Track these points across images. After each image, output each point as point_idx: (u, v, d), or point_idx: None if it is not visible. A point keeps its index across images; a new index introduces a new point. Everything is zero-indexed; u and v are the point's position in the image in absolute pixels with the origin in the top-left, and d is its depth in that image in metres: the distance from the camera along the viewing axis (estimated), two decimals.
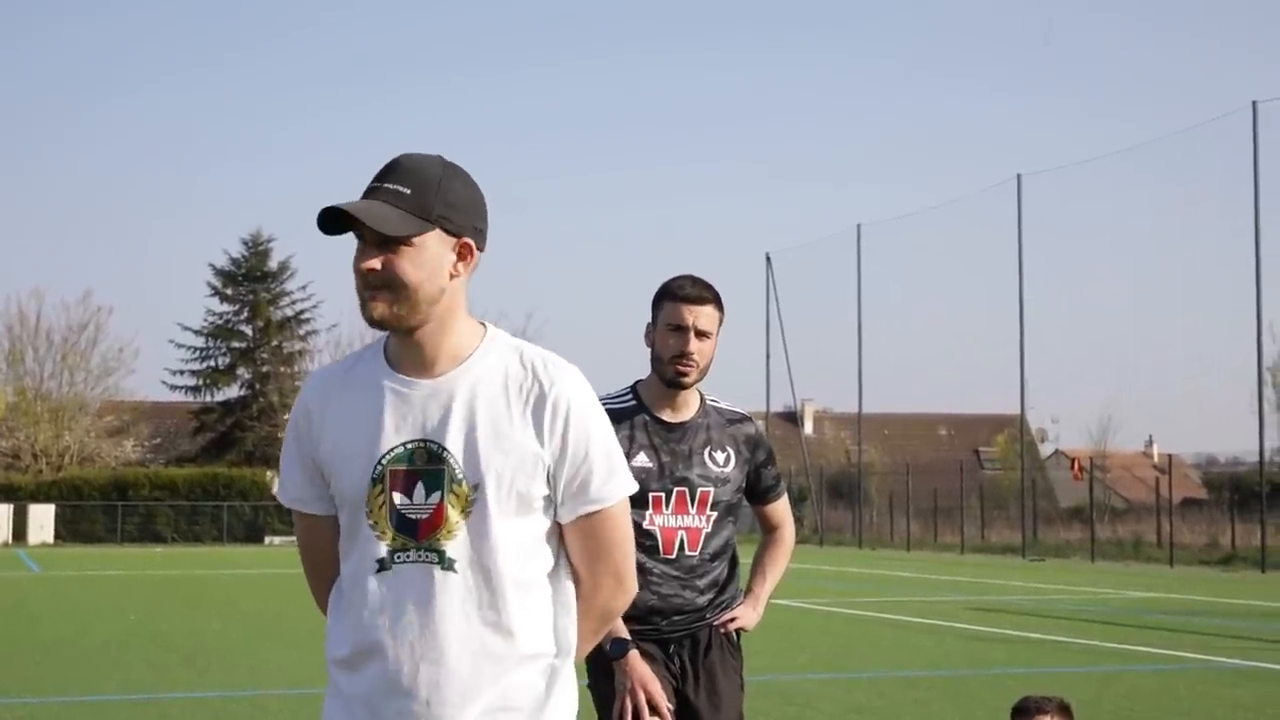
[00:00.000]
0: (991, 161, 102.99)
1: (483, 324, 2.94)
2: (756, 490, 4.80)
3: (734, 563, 4.74)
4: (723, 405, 4.76)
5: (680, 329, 4.51)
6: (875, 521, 56.23)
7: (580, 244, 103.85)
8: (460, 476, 2.77)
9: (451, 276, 2.83)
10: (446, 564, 2.76)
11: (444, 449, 2.78)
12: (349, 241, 2.99)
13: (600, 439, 2.90)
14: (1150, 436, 66.66)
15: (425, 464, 2.79)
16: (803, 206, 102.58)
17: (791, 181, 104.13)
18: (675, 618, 4.56)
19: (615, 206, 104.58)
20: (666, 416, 4.61)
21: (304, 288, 65.76)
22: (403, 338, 2.84)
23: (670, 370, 4.53)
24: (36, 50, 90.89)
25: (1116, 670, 13.56)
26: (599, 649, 4.45)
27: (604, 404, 4.56)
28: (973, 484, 54.67)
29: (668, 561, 4.54)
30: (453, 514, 2.77)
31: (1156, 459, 59.88)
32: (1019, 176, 46.29)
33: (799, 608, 20.21)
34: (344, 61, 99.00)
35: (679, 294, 4.54)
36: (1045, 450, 68.30)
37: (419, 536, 2.77)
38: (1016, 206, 46.21)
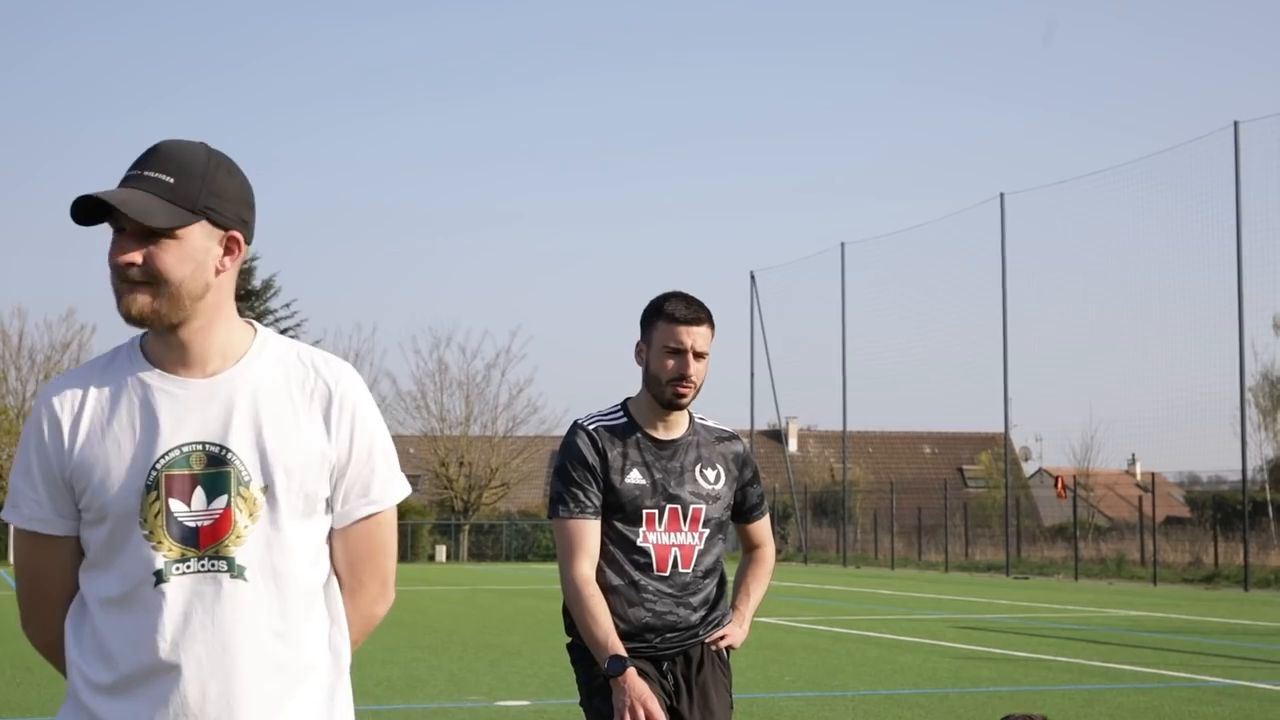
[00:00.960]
0: (975, 180, 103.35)
1: (249, 322, 2.81)
2: (742, 509, 4.82)
3: (723, 580, 4.76)
4: (711, 423, 4.77)
5: (678, 352, 4.52)
6: (859, 539, 56.29)
7: (563, 261, 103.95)
8: (247, 479, 2.62)
9: (217, 271, 2.67)
10: (236, 572, 2.60)
11: (228, 450, 2.63)
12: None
13: (382, 439, 2.80)
14: (1133, 455, 66.70)
15: (205, 468, 2.62)
16: (787, 225, 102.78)
17: (776, 199, 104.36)
18: (669, 635, 4.57)
19: (599, 224, 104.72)
20: (658, 434, 4.62)
21: (288, 306, 65.70)
22: (165, 336, 2.66)
23: (669, 392, 4.54)
24: (20, 68, 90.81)
25: (1101, 688, 13.57)
26: (591, 665, 4.46)
27: (597, 421, 4.60)
28: (956, 502, 54.78)
29: (661, 578, 4.55)
30: (240, 518, 2.61)
31: (1139, 477, 59.99)
32: (1002, 195, 46.52)
33: (783, 626, 20.19)
34: (330, 79, 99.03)
35: (675, 316, 4.54)
36: (1029, 469, 68.42)
37: (201, 545, 2.60)
38: (1000, 225, 46.44)
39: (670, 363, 4.52)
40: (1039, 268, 65.50)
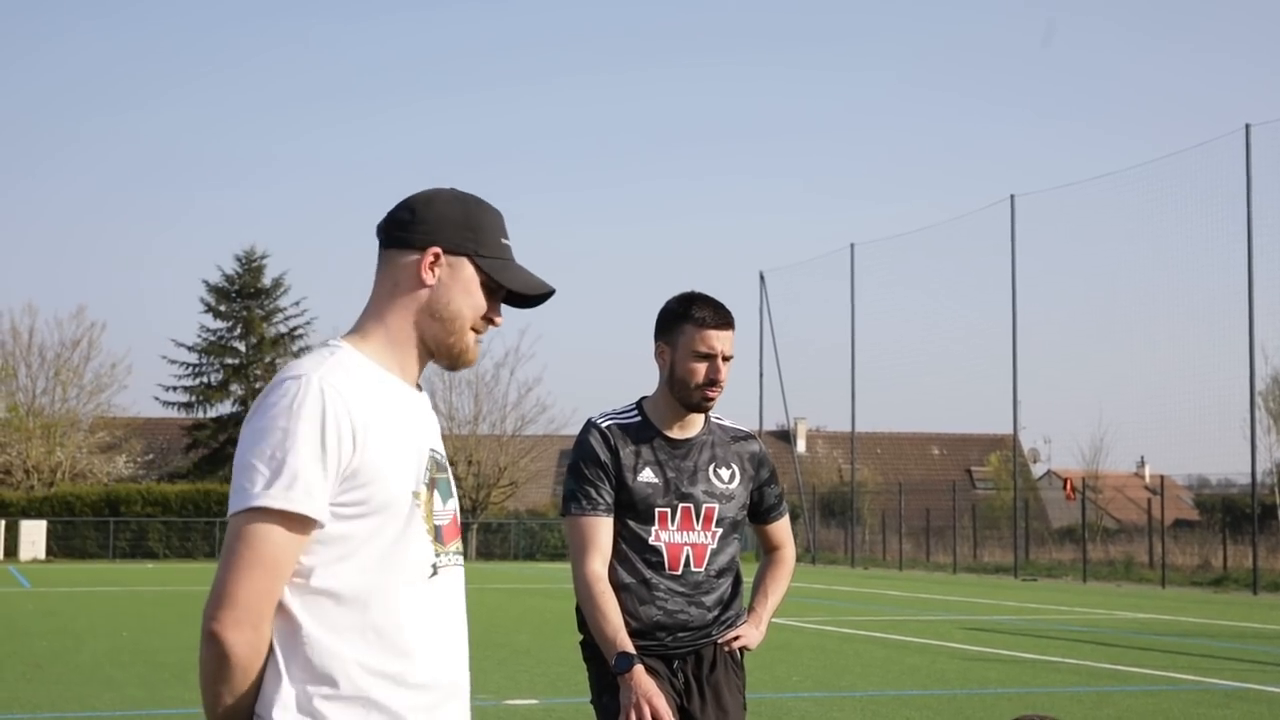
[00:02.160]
0: (986, 182, 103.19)
1: None
2: (759, 509, 4.82)
3: (738, 580, 4.75)
4: (726, 423, 4.78)
5: (709, 357, 4.53)
6: (868, 540, 56.25)
7: (572, 260, 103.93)
8: (453, 485, 2.93)
9: None
10: (462, 564, 2.91)
11: (445, 457, 2.89)
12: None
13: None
14: (1142, 458, 66.61)
15: (438, 472, 2.83)
16: (797, 225, 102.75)
17: (786, 200, 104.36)
18: (681, 634, 4.57)
19: (608, 223, 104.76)
20: (673, 434, 4.63)
21: (297, 304, 65.82)
22: (425, 359, 2.89)
23: (697, 396, 4.55)
24: (30, 66, 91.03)
25: (1109, 690, 13.57)
26: (602, 663, 4.47)
27: (611, 420, 4.61)
28: (965, 504, 54.73)
29: (674, 577, 4.56)
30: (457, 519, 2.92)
31: (1148, 480, 59.82)
32: (1012, 197, 46.46)
33: (791, 626, 20.20)
34: (337, 78, 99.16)
35: (706, 321, 4.54)
36: (1038, 470, 68.44)
37: (445, 540, 2.83)
38: (1010, 227, 46.38)
39: (701, 367, 4.52)
40: (1048, 270, 65.57)
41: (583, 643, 4.60)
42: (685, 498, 4.57)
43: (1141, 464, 65.42)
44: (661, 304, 4.64)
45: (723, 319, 4.55)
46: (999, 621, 23.60)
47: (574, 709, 11.24)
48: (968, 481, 70.57)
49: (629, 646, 4.37)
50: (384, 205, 2.97)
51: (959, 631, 20.96)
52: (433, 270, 2.82)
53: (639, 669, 4.34)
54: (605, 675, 4.48)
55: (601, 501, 4.51)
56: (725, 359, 4.55)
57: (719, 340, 4.53)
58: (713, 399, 4.57)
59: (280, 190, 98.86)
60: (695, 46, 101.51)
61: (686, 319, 4.55)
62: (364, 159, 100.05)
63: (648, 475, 4.55)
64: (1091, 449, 60.18)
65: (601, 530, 4.50)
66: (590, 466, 4.54)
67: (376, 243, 2.93)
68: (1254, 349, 37.88)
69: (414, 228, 2.85)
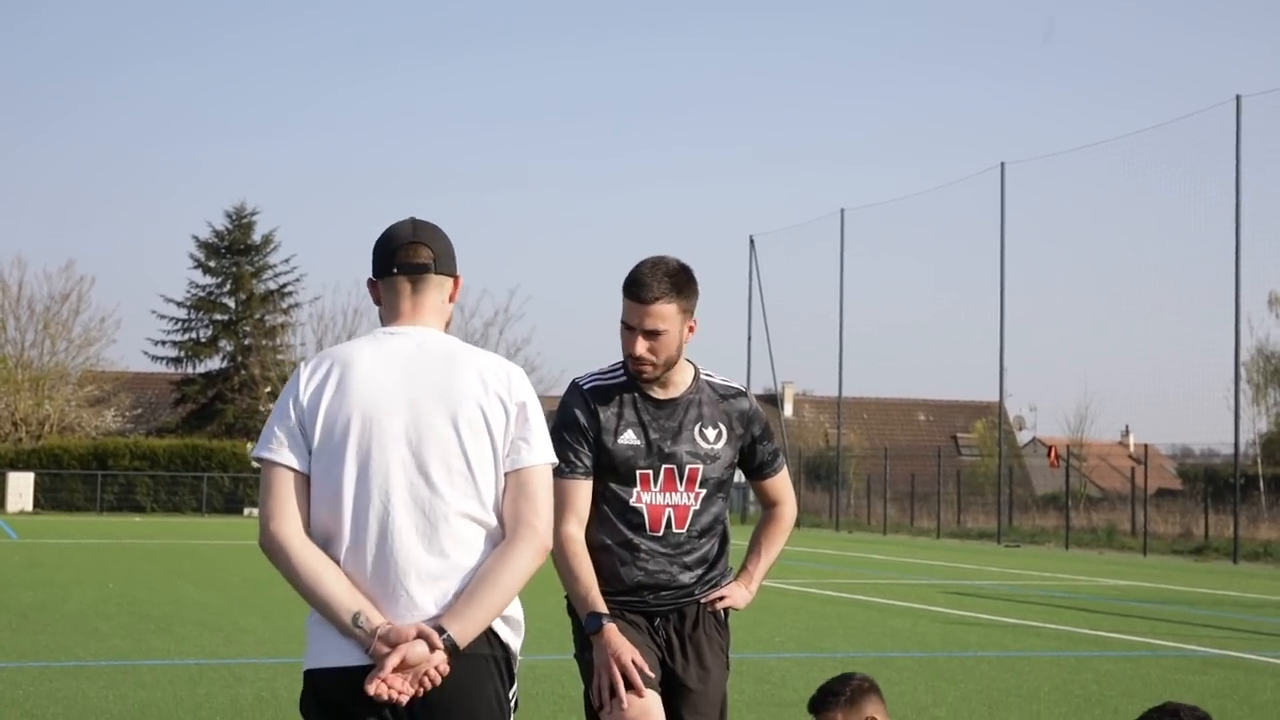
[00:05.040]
0: (976, 149, 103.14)
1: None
2: (752, 465, 4.77)
3: (724, 539, 4.72)
4: (717, 380, 4.70)
5: (630, 329, 4.45)
6: (853, 505, 56.38)
7: (563, 223, 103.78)
8: None
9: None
10: None
11: None
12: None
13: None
14: (1127, 426, 66.76)
15: None
16: (787, 190, 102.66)
17: (776, 165, 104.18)
18: (662, 593, 4.57)
19: (599, 186, 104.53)
20: (656, 393, 4.57)
21: (287, 261, 65.65)
22: None
23: (631, 367, 4.51)
24: (20, 21, 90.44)
25: (1088, 655, 13.63)
26: (579, 623, 4.49)
27: (594, 381, 4.59)
28: (950, 470, 54.88)
29: (655, 538, 4.54)
30: None
31: (1132, 449, 59.97)
32: (1002, 165, 46.40)
33: (775, 588, 20.26)
34: (330, 36, 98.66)
35: (630, 291, 4.45)
36: (1023, 438, 68.60)
37: None
38: (1000, 195, 46.33)
39: (624, 340, 4.48)
40: (1037, 238, 65.60)
41: (567, 598, 4.61)
42: (668, 458, 4.53)
43: (1126, 433, 65.58)
44: None
45: (648, 294, 4.41)
46: (981, 586, 23.69)
47: (556, 665, 11.26)
48: (953, 448, 70.74)
49: (600, 606, 4.38)
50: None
51: (941, 596, 21.03)
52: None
53: (610, 628, 4.34)
54: (581, 632, 4.50)
55: (580, 465, 4.49)
56: (648, 334, 4.42)
57: (638, 314, 4.42)
58: (643, 373, 4.48)
59: (272, 148, 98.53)
60: (687, 14, 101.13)
61: (625, 286, 4.49)
62: (357, 120, 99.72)
63: (629, 437, 4.51)
64: (1076, 417, 60.38)
65: (579, 493, 4.48)
66: (570, 430, 4.51)
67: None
68: (1240, 319, 37.94)
69: (453, 261, 3.81)
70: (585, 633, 4.42)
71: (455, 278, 3.77)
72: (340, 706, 3.43)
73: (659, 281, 4.43)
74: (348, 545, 3.49)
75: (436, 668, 3.36)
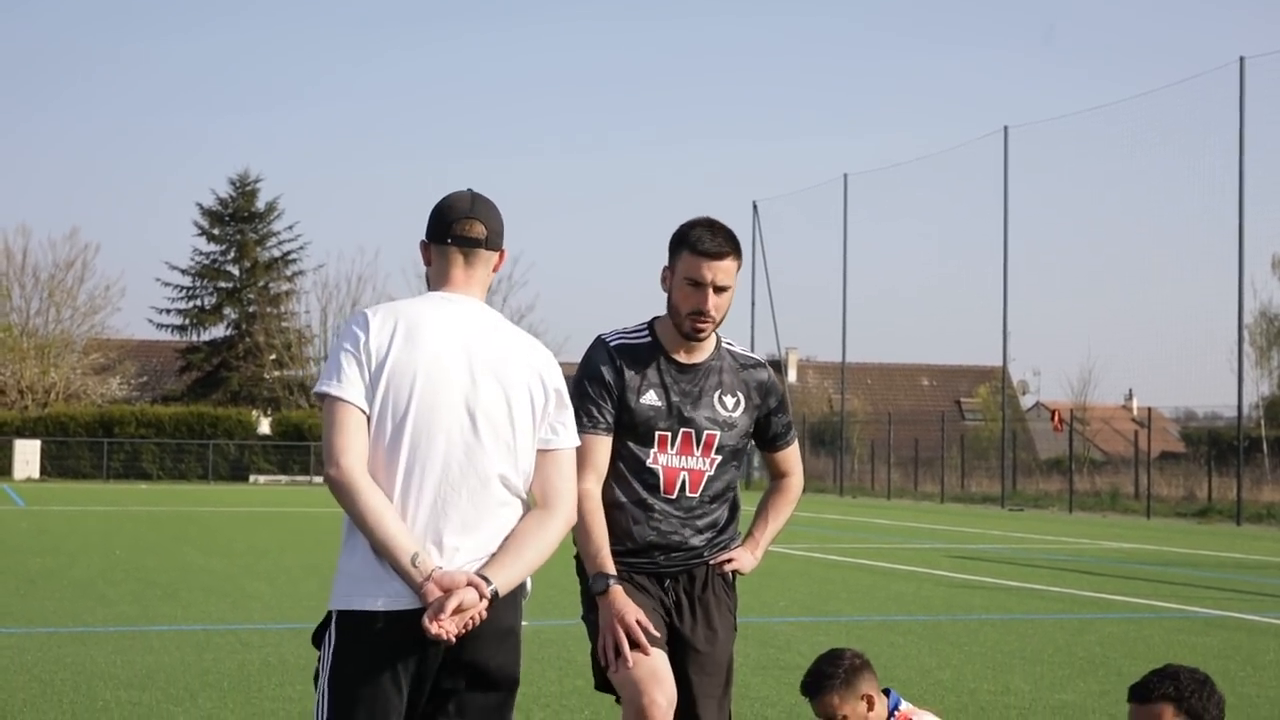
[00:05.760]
0: (979, 113, 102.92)
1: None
2: (766, 436, 4.77)
3: (735, 506, 4.74)
4: (737, 349, 4.71)
5: (698, 285, 4.44)
6: (856, 470, 56.47)
7: (565, 190, 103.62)
8: None
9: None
10: None
11: None
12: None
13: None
14: (1130, 390, 66.78)
15: None
16: (791, 155, 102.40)
17: (780, 130, 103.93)
18: (673, 554, 4.58)
19: (600, 152, 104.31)
20: (680, 357, 4.57)
21: (291, 228, 65.63)
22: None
23: (687, 324, 4.49)
24: None
25: (1091, 618, 13.65)
26: (586, 583, 4.50)
27: (620, 339, 4.57)
28: (954, 434, 54.93)
29: (669, 500, 4.55)
30: None
31: (1136, 413, 60.01)
32: (1006, 129, 46.23)
33: (780, 553, 20.29)
34: (333, 7, 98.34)
35: (699, 248, 4.44)
36: (1026, 402, 68.55)
37: None
38: (1003, 159, 46.20)
39: (691, 298, 4.45)
40: (1041, 202, 65.33)
41: (577, 558, 4.61)
42: (686, 422, 4.53)
43: (1129, 397, 65.60)
44: (653, 237, 4.62)
45: (719, 248, 4.44)
46: (985, 550, 23.73)
47: (561, 630, 11.29)
48: (956, 412, 70.80)
49: (608, 567, 4.39)
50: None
51: (945, 560, 21.06)
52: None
53: (616, 589, 4.36)
54: (588, 593, 4.52)
55: (602, 420, 4.48)
56: (718, 289, 4.44)
57: (710, 269, 4.43)
58: (702, 330, 4.49)
59: (275, 117, 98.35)
60: None
61: (684, 244, 4.47)
62: (360, 88, 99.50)
63: (650, 398, 4.51)
64: (1080, 381, 60.36)
65: (599, 449, 4.48)
66: (594, 385, 4.50)
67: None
68: (1243, 283, 37.85)
69: (502, 238, 4.00)
70: (591, 593, 4.43)
71: (501, 252, 3.98)
72: (387, 645, 3.64)
73: (728, 238, 4.50)
74: (399, 490, 3.70)
75: (480, 613, 3.62)
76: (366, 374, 3.72)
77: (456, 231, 3.90)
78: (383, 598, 3.63)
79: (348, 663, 3.67)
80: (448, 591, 3.57)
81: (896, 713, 4.76)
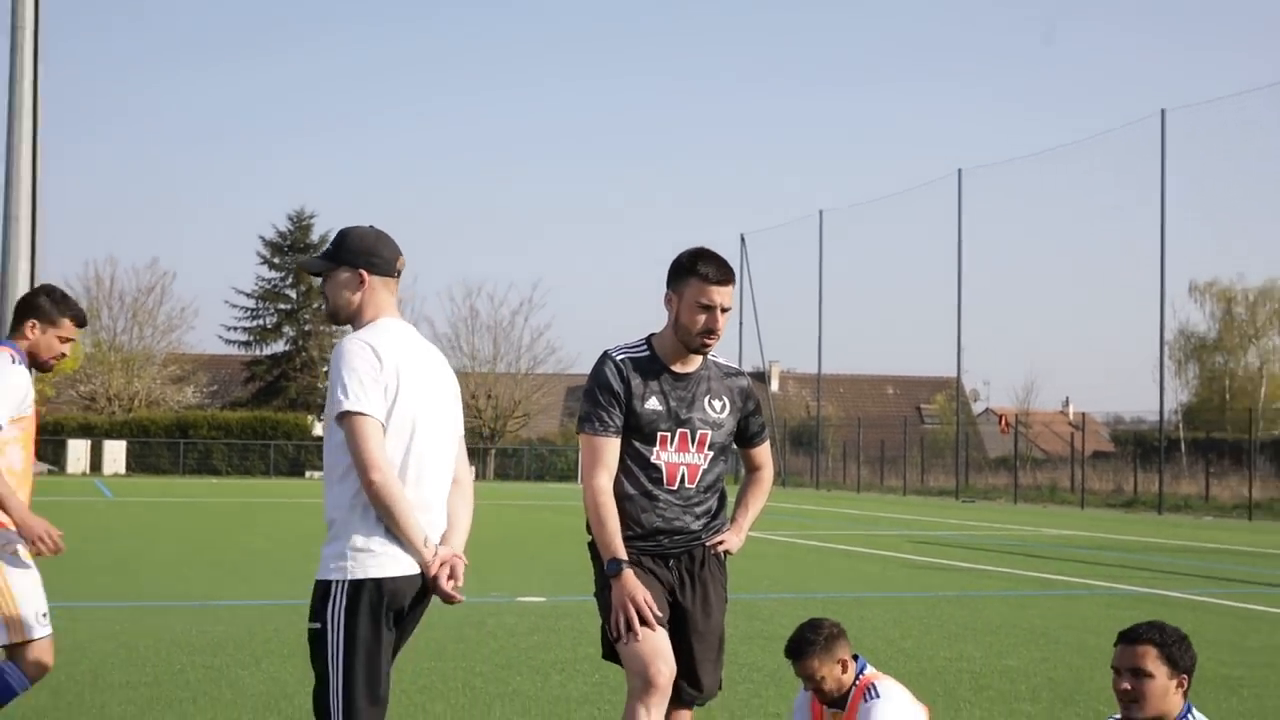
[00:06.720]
0: (935, 157, 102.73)
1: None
2: (745, 435, 4.82)
3: (723, 495, 4.79)
4: (721, 360, 4.75)
5: (709, 308, 4.50)
6: (830, 467, 56.38)
7: (579, 224, 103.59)
8: None
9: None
10: None
11: None
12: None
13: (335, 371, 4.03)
14: (1067, 398, 66.74)
15: None
16: (774, 193, 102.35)
17: (765, 171, 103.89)
18: (675, 537, 4.61)
19: (614, 196, 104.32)
20: (676, 368, 4.62)
21: None
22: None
23: (697, 341, 4.54)
24: (92, 33, 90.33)
25: (1034, 595, 13.65)
26: (600, 566, 4.53)
27: (624, 353, 4.61)
28: (914, 436, 54.83)
29: (671, 491, 4.59)
30: None
31: (1071, 417, 60.02)
32: (959, 171, 46.29)
33: (764, 539, 20.29)
34: (369, 62, 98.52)
35: (709, 277, 4.49)
36: (977, 408, 68.42)
37: None
38: (957, 197, 46.21)
39: (701, 317, 4.50)
40: (991, 234, 65.44)
41: (590, 543, 4.63)
42: (683, 423, 4.58)
43: (1066, 404, 65.57)
44: (653, 264, 4.65)
45: (724, 276, 4.51)
46: (941, 536, 23.70)
47: (576, 604, 11.30)
48: (917, 417, 70.58)
49: (620, 553, 4.42)
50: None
51: (907, 544, 21.05)
52: None
53: (627, 572, 4.39)
54: (601, 575, 4.54)
55: (612, 424, 4.52)
56: (723, 310, 4.51)
57: (719, 294, 4.49)
58: (710, 344, 4.56)
59: (328, 158, 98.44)
60: (686, 44, 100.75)
61: (693, 273, 4.51)
62: (402, 133, 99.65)
63: (653, 404, 4.55)
64: (1024, 390, 60.46)
65: (610, 450, 4.52)
66: (605, 393, 4.54)
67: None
68: (1164, 306, 37.96)
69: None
70: (606, 575, 4.46)
71: None
72: (399, 604, 3.93)
73: (730, 268, 4.58)
74: (405, 482, 3.99)
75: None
76: (385, 394, 3.94)
77: (399, 267, 4.15)
78: (398, 565, 3.91)
79: (360, 623, 3.87)
80: (445, 563, 3.98)
81: (861, 676, 4.78)
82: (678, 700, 4.56)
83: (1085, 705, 7.57)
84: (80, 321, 5.38)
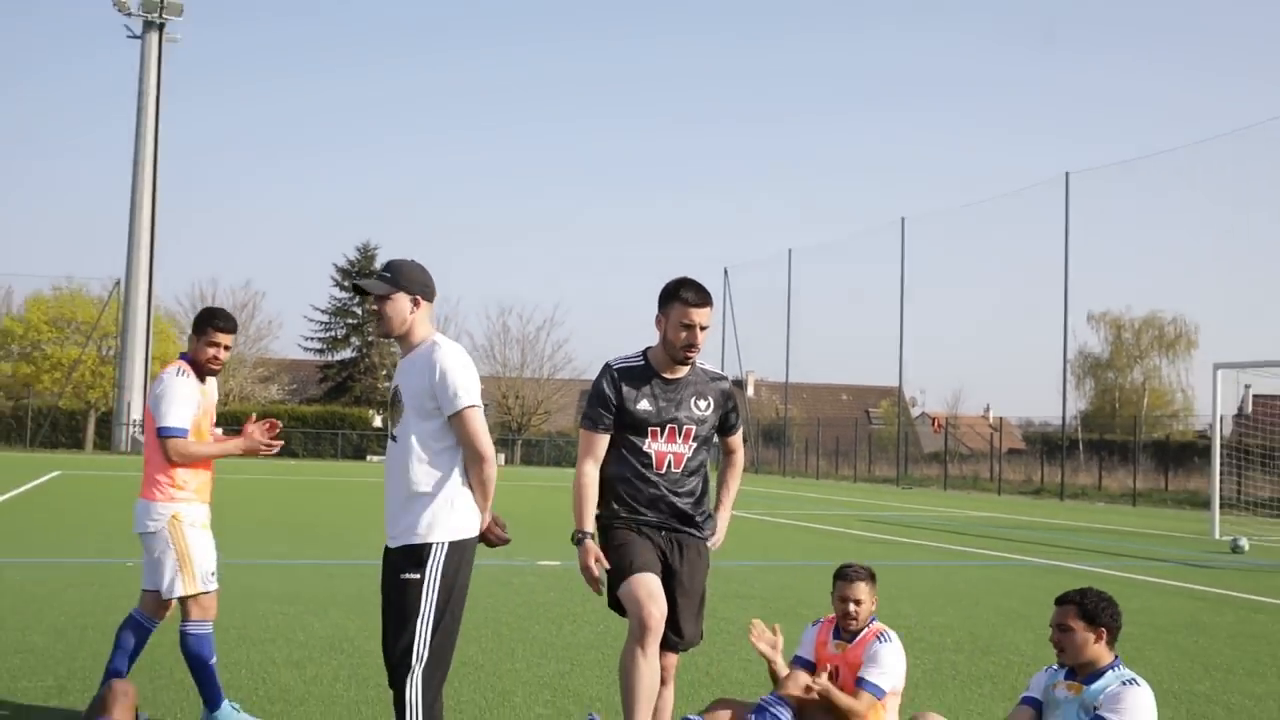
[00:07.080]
0: (885, 203, 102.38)
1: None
2: (724, 426, 4.85)
3: (706, 478, 4.80)
4: (707, 366, 4.78)
5: (690, 326, 4.52)
6: (795, 459, 56.30)
7: (590, 257, 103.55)
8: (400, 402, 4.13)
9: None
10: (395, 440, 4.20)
11: (399, 388, 4.17)
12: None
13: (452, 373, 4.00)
14: (988, 405, 66.59)
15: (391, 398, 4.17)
16: (750, 233, 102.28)
17: (741, 215, 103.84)
18: (664, 511, 4.65)
19: (623, 231, 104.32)
20: (666, 375, 4.64)
21: None
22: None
23: (681, 354, 4.57)
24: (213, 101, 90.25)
25: (959, 565, 13.62)
26: (607, 533, 4.57)
27: (622, 364, 4.62)
28: (863, 434, 54.77)
29: (660, 474, 4.62)
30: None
31: (991, 420, 59.89)
32: (903, 219, 46.21)
33: (740, 517, 20.25)
34: (410, 102, 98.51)
35: (689, 301, 4.52)
36: (915, 412, 68.39)
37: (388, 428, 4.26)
38: (900, 243, 46.16)
39: (684, 334, 4.53)
40: (929, 275, 65.46)
41: (597, 516, 4.65)
42: (671, 420, 4.60)
43: (987, 409, 65.37)
44: (653, 290, 4.69)
45: (702, 300, 4.52)
46: (884, 516, 23.66)
47: None
48: (866, 419, 70.57)
49: (587, 526, 4.52)
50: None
51: (857, 522, 21.02)
52: None
53: (588, 543, 4.49)
54: (608, 542, 4.57)
55: (603, 423, 4.56)
56: (702, 328, 4.53)
57: (698, 315, 4.51)
58: (692, 356, 4.58)
59: (390, 195, 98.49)
60: (657, 92, 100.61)
61: (677, 298, 4.53)
62: (452, 168, 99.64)
63: (645, 405, 4.57)
64: (953, 397, 60.28)
65: (599, 443, 4.57)
66: (599, 399, 4.59)
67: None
68: (1067, 330, 38.06)
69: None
70: (609, 541, 4.54)
71: None
72: (472, 557, 4.09)
73: (707, 294, 4.60)
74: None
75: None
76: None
77: (435, 294, 4.22)
78: (474, 530, 4.06)
79: (457, 574, 4.00)
80: (497, 522, 4.19)
81: (874, 623, 4.81)
82: (665, 645, 4.57)
83: (1000, 655, 7.56)
84: (221, 329, 5.31)
